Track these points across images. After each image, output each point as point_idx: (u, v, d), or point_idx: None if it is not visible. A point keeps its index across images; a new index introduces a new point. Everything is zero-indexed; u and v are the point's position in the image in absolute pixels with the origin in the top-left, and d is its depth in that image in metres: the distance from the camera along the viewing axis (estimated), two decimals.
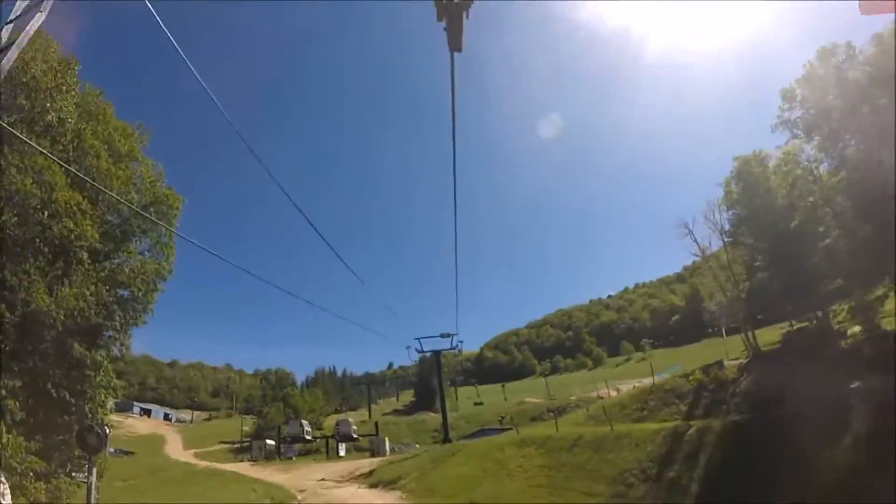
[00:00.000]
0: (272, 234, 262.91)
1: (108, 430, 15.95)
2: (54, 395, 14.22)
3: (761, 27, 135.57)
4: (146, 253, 18.86)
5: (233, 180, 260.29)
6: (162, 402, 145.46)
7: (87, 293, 14.28)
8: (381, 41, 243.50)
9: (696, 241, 32.42)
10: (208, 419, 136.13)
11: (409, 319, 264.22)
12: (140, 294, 16.95)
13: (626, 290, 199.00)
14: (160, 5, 6.25)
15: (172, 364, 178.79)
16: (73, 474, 16.98)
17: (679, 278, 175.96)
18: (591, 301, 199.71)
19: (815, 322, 29.73)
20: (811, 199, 27.56)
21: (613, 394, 52.93)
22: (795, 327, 33.15)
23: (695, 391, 27.03)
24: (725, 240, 31.79)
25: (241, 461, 60.40)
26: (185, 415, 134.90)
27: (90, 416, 15.15)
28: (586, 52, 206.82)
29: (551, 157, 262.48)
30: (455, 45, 4.55)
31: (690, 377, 28.32)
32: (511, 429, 39.18)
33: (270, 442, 66.83)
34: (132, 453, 58.96)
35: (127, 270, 16.89)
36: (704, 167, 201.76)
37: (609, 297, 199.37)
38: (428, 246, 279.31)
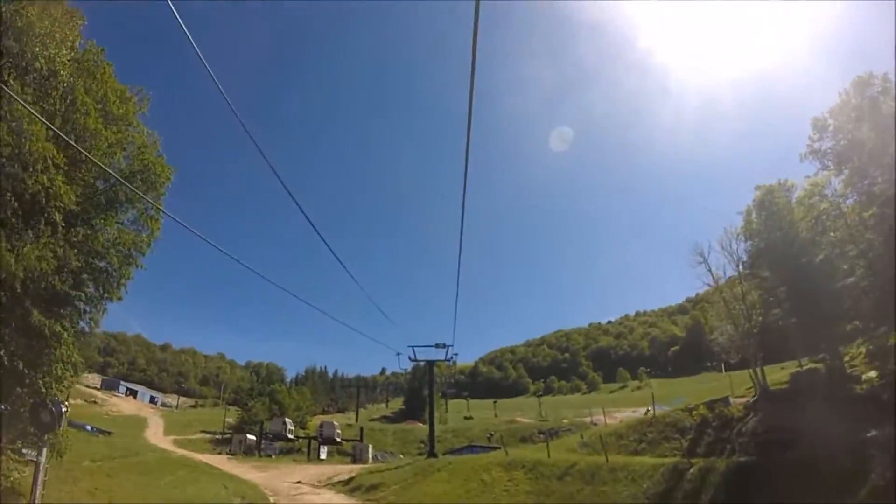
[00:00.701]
0: (276, 230, 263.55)
1: (64, 408, 14.67)
2: (6, 363, 12.96)
3: (786, 59, 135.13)
4: (128, 224, 17.69)
5: (239, 176, 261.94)
6: (150, 385, 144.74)
7: (51, 255, 13.02)
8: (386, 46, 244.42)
9: (710, 269, 30.91)
10: (194, 406, 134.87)
11: (405, 325, 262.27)
12: (115, 266, 15.69)
13: (626, 316, 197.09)
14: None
15: (165, 347, 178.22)
16: (24, 451, 15.74)
17: (681, 309, 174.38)
18: (590, 325, 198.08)
19: (827, 363, 28.14)
20: (834, 234, 26.11)
21: (609, 421, 51.23)
22: (805, 367, 31.57)
23: (697, 427, 25.48)
24: (742, 271, 30.33)
25: (220, 454, 59.05)
26: (172, 399, 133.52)
27: (45, 390, 13.87)
28: (606, 70, 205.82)
29: (562, 173, 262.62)
30: None
31: (694, 412, 26.78)
32: (499, 448, 37.61)
33: (251, 437, 65.34)
34: (110, 433, 57.40)
35: (102, 238, 15.60)
36: (715, 199, 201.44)
37: (609, 322, 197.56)
38: (432, 254, 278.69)
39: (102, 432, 56.16)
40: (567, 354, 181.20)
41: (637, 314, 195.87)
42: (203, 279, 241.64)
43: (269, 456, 59.98)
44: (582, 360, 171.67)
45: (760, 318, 29.65)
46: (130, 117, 18.58)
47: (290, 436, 67.99)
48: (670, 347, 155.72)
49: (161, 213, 17.91)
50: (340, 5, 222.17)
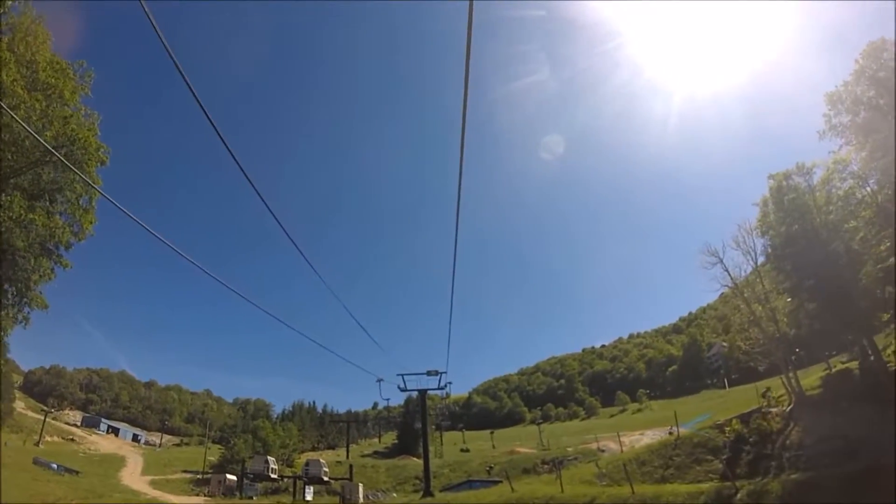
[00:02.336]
0: (265, 261, 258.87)
1: None
2: None
3: (769, 64, 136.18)
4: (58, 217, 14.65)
5: (225, 202, 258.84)
6: (133, 422, 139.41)
7: None
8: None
9: (727, 270, 28.09)
10: (178, 444, 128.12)
11: (392, 354, 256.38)
12: (21, 257, 12.49)
13: (620, 339, 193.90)
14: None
15: (150, 384, 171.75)
16: None
17: (675, 329, 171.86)
18: (584, 350, 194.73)
19: (868, 360, 25.34)
20: (863, 214, 23.60)
21: (614, 446, 47.63)
22: (836, 369, 28.82)
23: (732, 444, 22.33)
24: (761, 266, 27.74)
25: (199, 495, 54.75)
26: (156, 437, 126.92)
27: None
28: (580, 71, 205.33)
29: (547, 198, 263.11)
30: None
31: (726, 428, 23.63)
32: (501, 482, 33.85)
33: (231, 477, 60.43)
34: (77, 472, 52.77)
35: (3, 217, 12.39)
36: (710, 212, 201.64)
37: (603, 346, 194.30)
38: (422, 284, 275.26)
39: (69, 471, 52.23)
40: (562, 381, 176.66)
41: (631, 336, 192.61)
42: (190, 314, 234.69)
43: (251, 497, 55.35)
44: (578, 386, 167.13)
45: (786, 319, 26.95)
46: (65, 91, 15.82)
47: (273, 475, 63.09)
48: (668, 368, 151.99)
49: (94, 206, 14.96)
50: (338, 6, 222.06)
